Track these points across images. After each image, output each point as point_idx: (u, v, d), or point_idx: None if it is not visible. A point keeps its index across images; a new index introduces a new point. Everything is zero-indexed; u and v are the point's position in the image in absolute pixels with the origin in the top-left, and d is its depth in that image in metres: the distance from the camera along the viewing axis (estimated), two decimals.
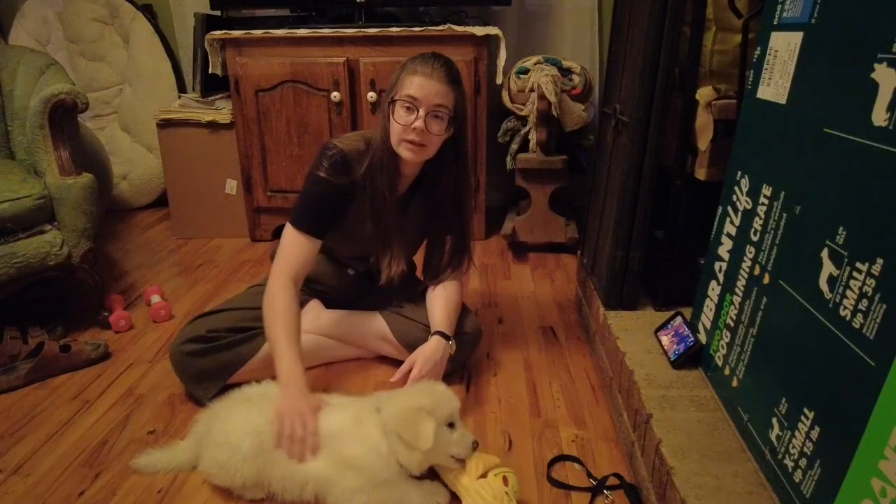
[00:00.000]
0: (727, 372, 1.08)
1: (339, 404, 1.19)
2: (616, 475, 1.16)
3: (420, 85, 1.23)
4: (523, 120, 2.23)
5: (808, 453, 0.80)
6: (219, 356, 1.37)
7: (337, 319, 1.55)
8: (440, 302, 1.44)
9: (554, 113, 2.10)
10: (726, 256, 1.12)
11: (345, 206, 1.36)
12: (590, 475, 1.17)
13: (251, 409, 1.14)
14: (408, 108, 1.24)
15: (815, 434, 0.79)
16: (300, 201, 1.34)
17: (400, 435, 1.05)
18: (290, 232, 1.32)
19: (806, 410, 0.82)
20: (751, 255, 1.02)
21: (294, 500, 1.11)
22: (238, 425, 1.11)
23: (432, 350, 1.35)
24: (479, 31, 2.19)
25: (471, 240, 1.50)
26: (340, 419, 1.13)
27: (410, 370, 1.31)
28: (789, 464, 0.84)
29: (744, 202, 1.07)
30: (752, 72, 1.06)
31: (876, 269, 0.70)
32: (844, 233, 0.77)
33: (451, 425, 1.08)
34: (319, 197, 1.32)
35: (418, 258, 1.58)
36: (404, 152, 1.28)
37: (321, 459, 1.09)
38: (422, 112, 1.24)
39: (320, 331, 1.53)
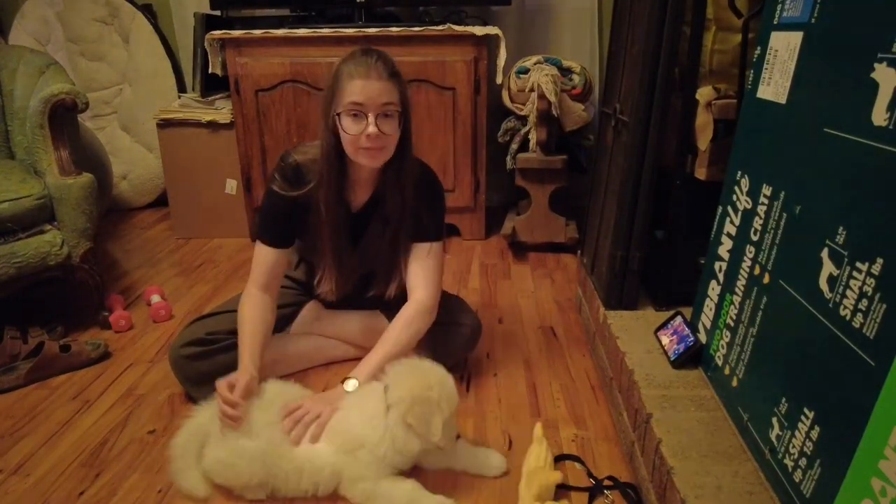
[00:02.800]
0: (727, 372, 1.08)
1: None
2: (610, 478, 1.16)
3: (361, 88, 1.17)
4: (523, 120, 2.23)
5: (808, 453, 0.80)
6: (218, 359, 1.36)
7: (337, 319, 1.54)
8: (386, 334, 1.31)
9: (554, 113, 2.10)
10: (726, 256, 1.12)
11: (303, 217, 1.32)
12: (590, 475, 1.17)
13: (256, 409, 1.14)
14: (355, 115, 1.18)
15: (815, 434, 0.79)
16: (259, 213, 1.37)
17: (412, 425, 1.07)
18: (256, 243, 1.35)
19: (806, 410, 0.82)
20: (751, 255, 1.02)
21: (300, 495, 1.11)
22: (243, 426, 1.11)
23: (329, 396, 1.21)
24: (479, 30, 2.19)
25: (431, 236, 1.37)
26: (350, 399, 1.17)
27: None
28: (789, 464, 0.84)
29: (744, 202, 1.07)
30: (752, 71, 1.06)
31: (876, 268, 0.70)
32: (844, 233, 0.77)
33: None
34: (272, 209, 1.33)
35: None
36: (363, 160, 1.23)
37: (324, 440, 1.11)
38: (371, 117, 1.18)
39: (320, 331, 1.53)
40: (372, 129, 1.18)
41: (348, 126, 1.19)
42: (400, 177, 1.30)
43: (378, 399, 1.12)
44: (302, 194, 1.29)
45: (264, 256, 1.34)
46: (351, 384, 1.22)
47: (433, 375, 1.13)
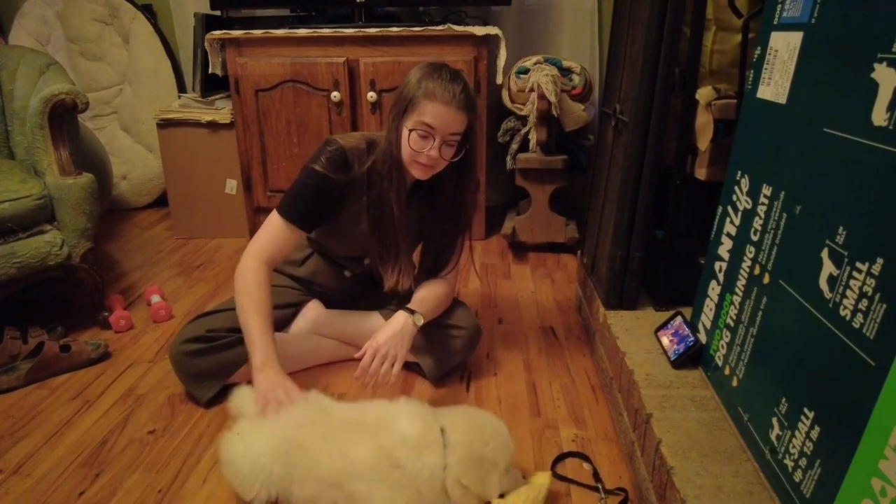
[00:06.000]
0: (727, 372, 1.08)
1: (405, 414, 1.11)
2: (599, 487, 1.15)
3: (438, 114, 1.21)
4: (523, 120, 2.23)
5: (808, 453, 0.80)
6: (219, 356, 1.37)
7: (337, 319, 1.54)
8: (422, 289, 1.44)
9: (554, 113, 2.10)
10: (726, 256, 1.12)
11: (339, 204, 1.35)
12: (595, 475, 1.17)
13: (279, 426, 1.09)
14: (423, 136, 1.23)
15: (815, 434, 0.79)
16: (291, 191, 1.33)
17: (466, 485, 1.03)
18: (275, 218, 1.32)
19: (806, 410, 0.82)
20: (751, 255, 1.02)
21: None
22: (265, 444, 1.06)
23: (394, 323, 1.32)
24: (479, 30, 2.19)
25: (464, 241, 1.47)
26: (409, 432, 1.07)
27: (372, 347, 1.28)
28: (789, 464, 0.84)
29: (744, 202, 1.07)
30: (752, 72, 1.06)
31: (876, 268, 0.70)
32: (844, 233, 0.77)
33: None
34: (311, 189, 1.31)
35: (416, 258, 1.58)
36: (414, 171, 1.28)
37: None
38: (437, 141, 1.23)
39: (320, 331, 1.53)
40: (434, 153, 1.24)
41: (414, 142, 1.24)
42: (460, 188, 1.37)
43: (435, 445, 1.05)
44: (347, 180, 1.31)
45: (284, 234, 1.32)
46: (420, 319, 1.35)
47: (491, 425, 1.11)
